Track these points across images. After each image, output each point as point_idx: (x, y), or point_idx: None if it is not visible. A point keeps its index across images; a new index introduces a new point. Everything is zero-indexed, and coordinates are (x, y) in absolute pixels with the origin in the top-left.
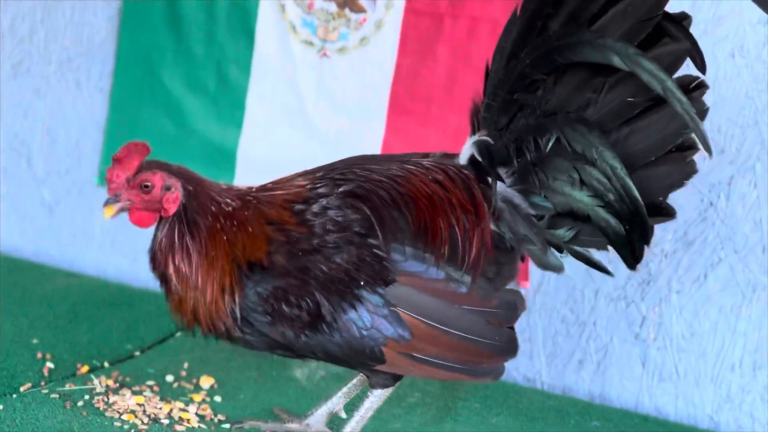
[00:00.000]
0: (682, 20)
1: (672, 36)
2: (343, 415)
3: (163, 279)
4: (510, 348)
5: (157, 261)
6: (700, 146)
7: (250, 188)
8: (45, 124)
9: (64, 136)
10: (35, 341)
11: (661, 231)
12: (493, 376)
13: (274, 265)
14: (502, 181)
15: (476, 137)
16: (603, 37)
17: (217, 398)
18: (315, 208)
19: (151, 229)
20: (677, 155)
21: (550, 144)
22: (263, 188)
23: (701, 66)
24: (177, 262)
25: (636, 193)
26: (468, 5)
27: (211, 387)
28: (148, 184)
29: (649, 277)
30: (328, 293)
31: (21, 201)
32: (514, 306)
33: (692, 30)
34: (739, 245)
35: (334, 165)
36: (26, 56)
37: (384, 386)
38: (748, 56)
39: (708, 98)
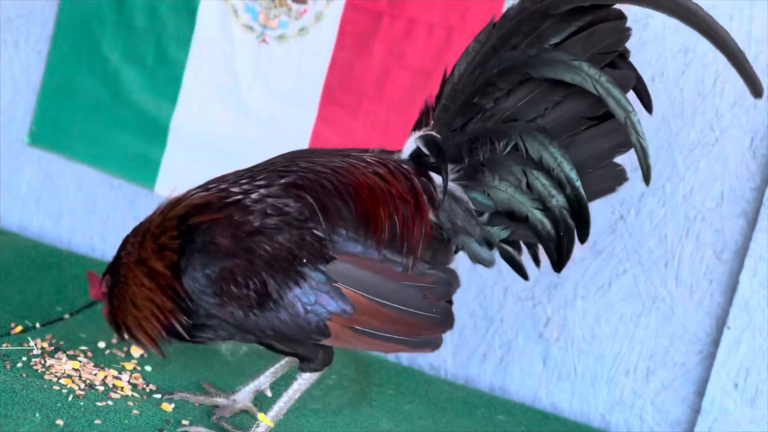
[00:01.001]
0: (623, 52)
1: (615, 66)
2: (269, 394)
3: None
4: (447, 320)
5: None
6: (642, 173)
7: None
8: None
9: None
10: None
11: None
12: (431, 346)
13: (219, 247)
14: (447, 174)
15: (421, 132)
16: (578, 59)
17: (148, 368)
18: (254, 196)
19: (73, 186)
20: (611, 164)
21: (508, 148)
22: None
23: (647, 103)
24: (118, 316)
25: (586, 202)
26: (407, 6)
27: (141, 356)
28: (104, 292)
29: (557, 281)
30: (273, 271)
31: None
32: (449, 282)
33: None
34: (643, 258)
35: (274, 159)
36: None
37: (313, 370)
38: (667, 82)
39: None
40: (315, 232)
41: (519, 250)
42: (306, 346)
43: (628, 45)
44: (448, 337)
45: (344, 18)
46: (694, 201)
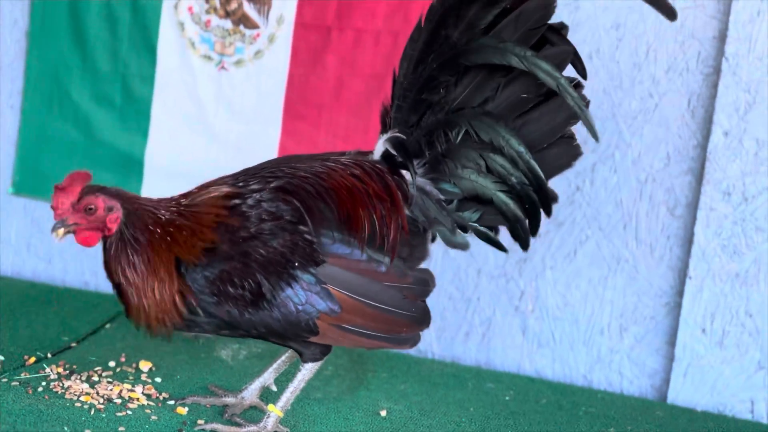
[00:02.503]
0: (560, 29)
1: (553, 44)
2: (274, 388)
3: (118, 288)
4: (424, 319)
5: (111, 273)
6: (588, 132)
7: (179, 198)
8: None
9: None
10: None
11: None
12: (410, 343)
13: (219, 251)
14: (415, 171)
15: (388, 135)
16: (503, 42)
17: (158, 379)
18: (250, 201)
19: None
20: (565, 140)
21: (460, 136)
22: (190, 194)
23: (582, 72)
24: (127, 273)
25: (540, 172)
26: (353, 18)
27: (150, 370)
28: (92, 207)
29: (526, 256)
30: (267, 274)
31: None
32: (426, 282)
33: None
34: (603, 224)
35: (263, 165)
36: None
37: (314, 360)
38: (603, 57)
39: None
40: (306, 236)
41: (493, 229)
42: (294, 341)
43: None
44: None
45: (296, 37)
46: (643, 164)
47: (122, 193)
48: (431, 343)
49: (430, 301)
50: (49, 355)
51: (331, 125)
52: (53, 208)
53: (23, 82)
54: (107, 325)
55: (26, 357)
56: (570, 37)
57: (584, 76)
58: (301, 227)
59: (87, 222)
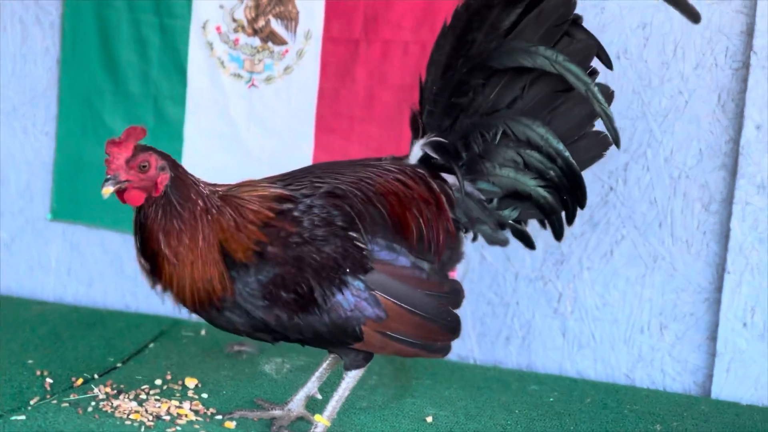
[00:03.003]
0: (577, 22)
1: (576, 38)
2: (319, 397)
3: (156, 256)
4: (457, 328)
5: (152, 238)
6: (611, 138)
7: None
8: None
9: (15, 178)
10: (30, 361)
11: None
12: (444, 352)
13: (271, 255)
14: (461, 173)
15: (425, 139)
16: (534, 45)
17: (204, 395)
18: (302, 206)
19: (98, 251)
20: (593, 132)
21: (498, 137)
22: (233, 187)
23: (607, 62)
24: (171, 240)
25: (577, 168)
26: (380, 30)
27: (196, 386)
28: (146, 164)
29: (562, 258)
30: (320, 279)
31: None
32: (458, 292)
33: None
34: (638, 222)
35: (308, 169)
36: None
37: (357, 367)
38: (631, 57)
39: None
40: (356, 243)
41: (525, 222)
42: (337, 346)
43: (590, 28)
44: (470, 327)
45: (324, 51)
46: (676, 162)
47: (169, 156)
48: (472, 349)
49: (470, 306)
50: (96, 376)
51: (363, 137)
52: (107, 162)
53: (57, 108)
54: (151, 345)
55: (74, 378)
56: (597, 38)
57: (610, 67)
58: (352, 233)
59: (138, 180)
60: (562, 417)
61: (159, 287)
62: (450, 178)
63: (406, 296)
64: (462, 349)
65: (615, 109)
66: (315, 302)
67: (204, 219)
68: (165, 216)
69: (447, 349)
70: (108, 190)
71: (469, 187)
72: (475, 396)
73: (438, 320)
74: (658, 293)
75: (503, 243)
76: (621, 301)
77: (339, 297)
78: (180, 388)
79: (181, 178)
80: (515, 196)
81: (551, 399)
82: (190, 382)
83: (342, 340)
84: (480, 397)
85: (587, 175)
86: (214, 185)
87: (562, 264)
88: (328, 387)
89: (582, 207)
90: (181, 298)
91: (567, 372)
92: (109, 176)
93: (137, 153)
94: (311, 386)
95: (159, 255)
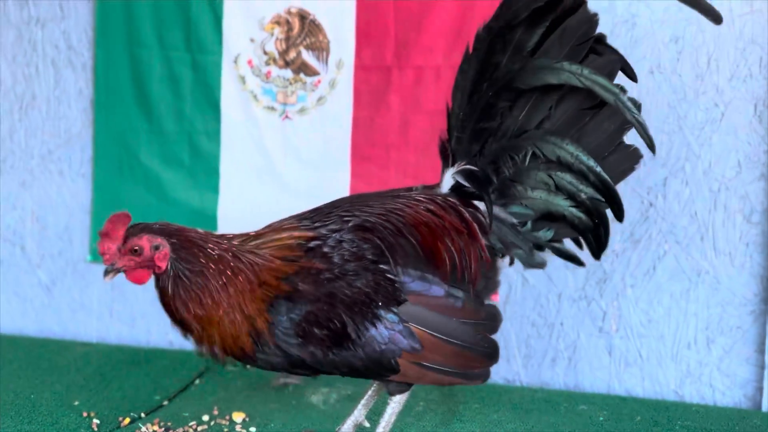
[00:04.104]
0: (601, 39)
1: (600, 54)
2: (367, 424)
3: (183, 324)
4: (495, 353)
5: (171, 312)
6: (646, 144)
7: (232, 237)
8: (34, 213)
9: (54, 221)
10: (76, 403)
11: (610, 233)
12: (482, 378)
13: (303, 293)
14: (492, 201)
15: (457, 167)
16: (559, 61)
17: (252, 429)
18: (330, 242)
19: (140, 290)
20: (622, 147)
21: (528, 159)
22: (252, 237)
23: (632, 75)
24: (190, 308)
25: (611, 183)
26: (412, 56)
27: (244, 420)
28: (137, 248)
29: (605, 276)
30: (352, 314)
31: (20, 285)
32: (495, 317)
33: None
34: (680, 237)
35: (335, 204)
36: (9, 154)
37: (401, 392)
38: (665, 71)
39: None
40: (388, 275)
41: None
42: (376, 379)
43: (622, 44)
44: (515, 349)
45: (356, 79)
46: (715, 174)
47: (167, 227)
48: (519, 372)
49: (515, 329)
50: (143, 415)
51: (399, 164)
52: (100, 254)
53: (92, 149)
54: (196, 381)
55: (121, 418)
56: (629, 53)
57: (634, 79)
58: (382, 266)
59: (135, 263)
60: None
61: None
62: (482, 205)
63: (440, 326)
64: (508, 372)
65: (651, 123)
66: (349, 337)
67: (220, 280)
68: (177, 287)
69: (486, 376)
70: (108, 278)
71: (501, 212)
72: (524, 418)
73: (474, 348)
74: (703, 307)
75: (540, 265)
76: (666, 317)
77: (373, 331)
78: (227, 423)
79: (185, 247)
80: (549, 218)
81: (601, 418)
82: (238, 417)
83: (379, 373)
84: (529, 419)
85: (625, 191)
86: (232, 237)
87: (605, 282)
88: (375, 414)
89: (620, 220)
90: (215, 354)
91: (615, 390)
92: (106, 266)
93: (128, 239)
94: (358, 414)
95: (184, 322)
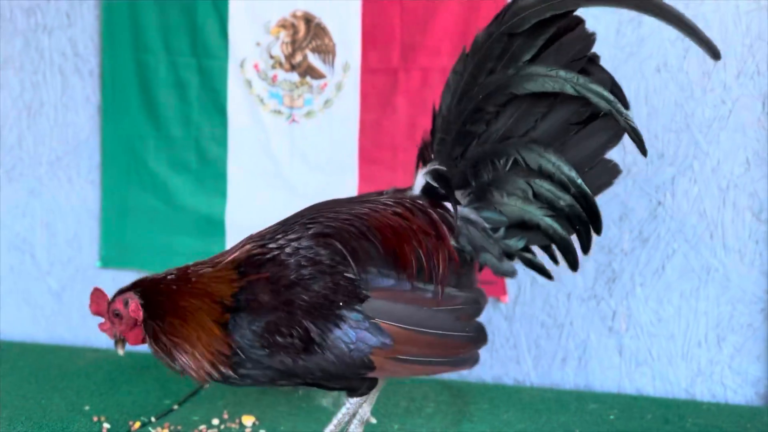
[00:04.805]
0: (593, 59)
1: (590, 74)
2: (373, 420)
3: (168, 362)
4: (480, 337)
5: (160, 356)
6: (638, 149)
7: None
8: (43, 220)
9: (63, 228)
10: (87, 408)
11: (618, 232)
12: (470, 363)
13: (261, 303)
14: (458, 202)
15: (427, 168)
16: (553, 68)
17: None
18: (288, 249)
19: None
20: (603, 161)
21: (509, 165)
22: (200, 264)
23: (623, 100)
24: (167, 344)
25: (592, 196)
26: (418, 58)
27: (254, 424)
28: (116, 311)
29: (614, 275)
30: (313, 318)
31: (30, 293)
32: (477, 301)
33: (619, 52)
34: (689, 235)
35: (302, 213)
36: (18, 162)
37: (360, 395)
38: (671, 70)
39: (642, 110)
40: (347, 275)
41: (534, 253)
42: (352, 380)
43: (629, 43)
44: (525, 350)
45: (363, 82)
46: (723, 172)
47: (138, 281)
48: (529, 372)
49: (524, 329)
50: (153, 419)
51: (407, 166)
52: (103, 332)
53: (100, 156)
54: (206, 385)
55: (131, 423)
56: (636, 52)
57: (626, 106)
58: (341, 267)
59: (125, 325)
60: None
61: None
62: (458, 206)
63: (410, 318)
64: (518, 373)
65: (658, 122)
66: (314, 342)
67: (180, 312)
68: (153, 332)
69: (474, 360)
70: (120, 351)
71: (473, 215)
72: (534, 418)
73: (455, 334)
74: (713, 306)
75: (510, 274)
76: (676, 316)
77: (338, 332)
78: (237, 426)
79: (145, 292)
80: (522, 226)
81: (611, 417)
82: (248, 420)
83: (356, 372)
84: (539, 419)
85: (633, 190)
86: (193, 264)
87: (614, 282)
88: (382, 410)
89: (599, 233)
90: (200, 380)
91: (626, 390)
92: (112, 340)
93: (109, 308)
94: (364, 412)
95: (170, 361)
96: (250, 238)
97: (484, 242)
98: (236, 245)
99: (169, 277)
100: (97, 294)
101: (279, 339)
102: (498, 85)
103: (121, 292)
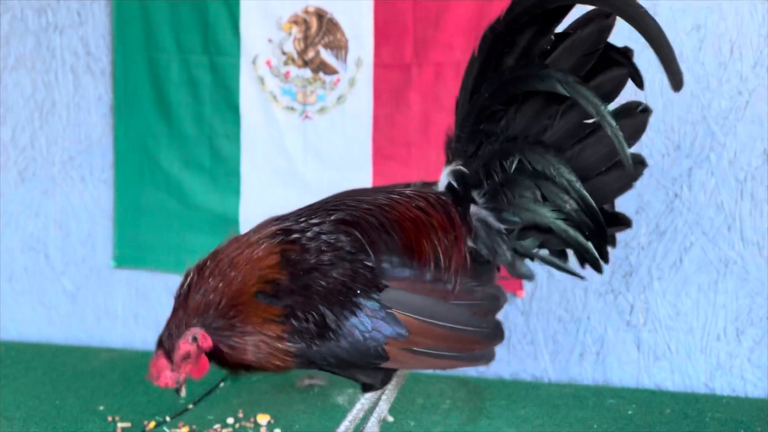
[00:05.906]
0: (625, 52)
1: (618, 63)
2: (390, 419)
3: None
4: (497, 334)
5: (229, 365)
6: (622, 159)
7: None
8: (57, 221)
9: (76, 228)
10: (101, 408)
11: (635, 226)
12: (485, 360)
13: (280, 286)
14: (476, 204)
15: (452, 167)
16: (547, 69)
17: (277, 431)
18: (309, 234)
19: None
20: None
21: (514, 165)
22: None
23: (640, 84)
24: (237, 357)
25: (592, 202)
26: (431, 53)
27: (269, 422)
28: (186, 354)
29: (631, 269)
30: (330, 304)
31: (44, 293)
32: (496, 297)
33: (634, 44)
34: (706, 228)
35: (326, 199)
36: (31, 162)
37: (374, 391)
38: (687, 61)
39: (658, 102)
40: (366, 263)
41: (561, 257)
42: (367, 370)
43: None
44: (543, 345)
45: (376, 77)
46: (741, 163)
47: (177, 320)
48: (546, 368)
49: (541, 324)
50: (168, 419)
51: (421, 162)
52: (164, 386)
53: (113, 155)
54: (221, 384)
55: (146, 422)
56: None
57: (641, 86)
58: (361, 255)
59: (193, 365)
60: (641, 429)
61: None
62: (474, 207)
63: (427, 309)
64: (536, 369)
65: (674, 114)
66: (329, 328)
67: (239, 316)
68: (227, 347)
69: (489, 357)
70: (183, 393)
71: (488, 217)
72: (552, 413)
73: (471, 329)
74: (732, 299)
75: (527, 276)
76: (695, 309)
77: (353, 319)
78: (252, 425)
79: (202, 317)
80: (537, 228)
81: (630, 412)
82: (263, 419)
83: (369, 362)
84: (557, 415)
85: (650, 183)
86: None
87: (632, 276)
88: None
89: (611, 245)
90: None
91: (644, 385)
92: (174, 388)
93: (171, 355)
94: (381, 409)
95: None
96: (275, 220)
97: (499, 244)
98: (258, 226)
99: (210, 294)
100: (155, 364)
101: (294, 323)
102: (499, 84)
103: (174, 336)
